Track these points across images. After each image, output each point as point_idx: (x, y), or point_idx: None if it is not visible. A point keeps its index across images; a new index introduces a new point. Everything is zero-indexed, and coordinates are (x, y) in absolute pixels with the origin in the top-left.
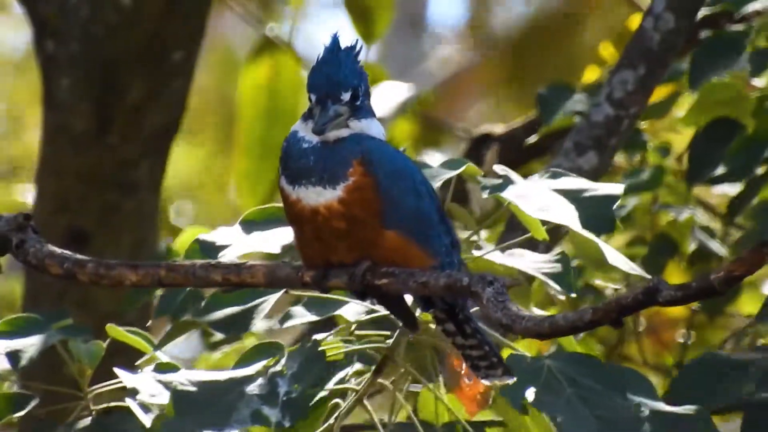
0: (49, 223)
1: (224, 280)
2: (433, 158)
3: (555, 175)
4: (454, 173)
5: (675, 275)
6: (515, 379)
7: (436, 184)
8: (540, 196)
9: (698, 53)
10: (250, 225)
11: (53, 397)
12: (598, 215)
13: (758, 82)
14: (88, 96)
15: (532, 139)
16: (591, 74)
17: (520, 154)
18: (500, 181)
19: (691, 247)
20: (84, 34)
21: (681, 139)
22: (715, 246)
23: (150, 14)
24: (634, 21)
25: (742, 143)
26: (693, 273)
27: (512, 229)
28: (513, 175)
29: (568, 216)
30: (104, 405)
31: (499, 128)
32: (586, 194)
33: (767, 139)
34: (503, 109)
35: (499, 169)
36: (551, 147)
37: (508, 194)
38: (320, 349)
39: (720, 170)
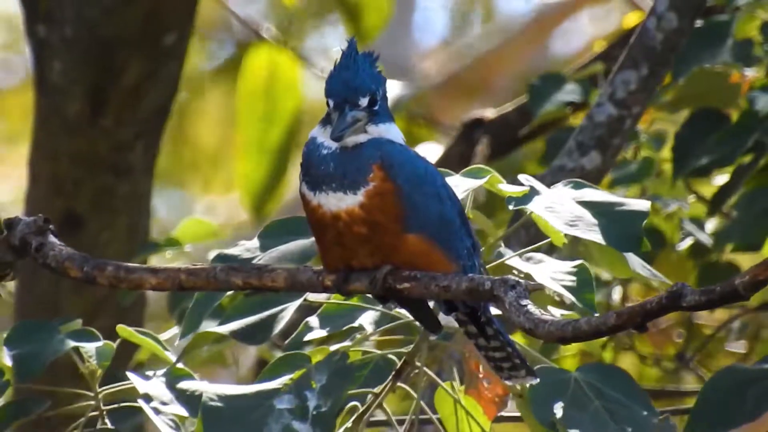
0: (43, 207)
1: (245, 283)
2: (427, 150)
3: (577, 186)
4: (477, 183)
5: (665, 267)
6: (538, 380)
7: (460, 195)
8: (567, 211)
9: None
10: (269, 237)
11: (63, 397)
12: (626, 233)
13: (750, 71)
14: (82, 79)
15: (524, 130)
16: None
17: (513, 138)
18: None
19: (681, 237)
20: (77, 16)
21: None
22: (704, 237)
23: None
24: (631, 20)
25: (726, 133)
26: (689, 266)
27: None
28: (537, 184)
29: (594, 232)
30: (115, 405)
31: (490, 113)
32: (614, 210)
33: (751, 128)
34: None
35: (523, 178)
36: (543, 133)
37: (534, 207)
38: (348, 361)
39: (705, 160)
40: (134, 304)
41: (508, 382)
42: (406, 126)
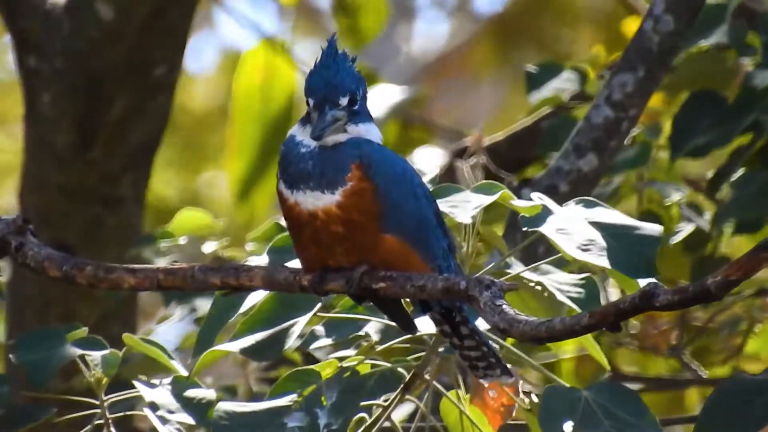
0: None
1: (223, 283)
2: (425, 155)
3: (589, 204)
4: (489, 199)
5: (662, 258)
6: (512, 378)
7: (472, 212)
8: (580, 233)
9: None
10: (278, 253)
11: (69, 405)
12: (639, 259)
13: (746, 60)
14: (71, 111)
15: (525, 120)
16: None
17: (503, 165)
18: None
19: (680, 226)
20: (66, 48)
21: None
22: (702, 222)
23: (132, 29)
24: (629, 25)
25: (723, 113)
26: (687, 256)
27: (513, 226)
28: (549, 202)
29: (607, 259)
30: (120, 414)
31: (483, 140)
32: (626, 233)
33: (748, 108)
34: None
35: (536, 196)
36: (535, 158)
37: (547, 230)
38: (360, 376)
39: (702, 140)
40: (122, 331)
41: (483, 381)
42: (402, 129)
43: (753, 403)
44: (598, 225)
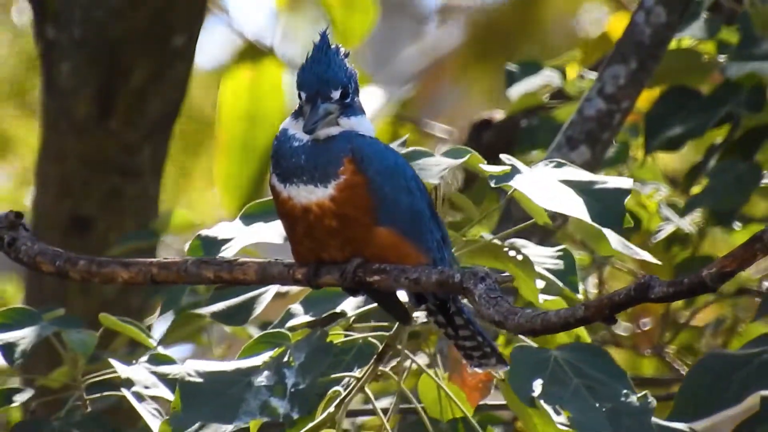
0: (51, 209)
1: (216, 277)
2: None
3: (559, 165)
4: (456, 162)
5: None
6: (509, 367)
7: (439, 173)
8: (548, 187)
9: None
10: (250, 218)
11: (49, 387)
12: (609, 209)
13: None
14: (90, 81)
15: (500, 115)
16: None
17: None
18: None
19: (661, 226)
20: (85, 18)
21: None
22: (681, 222)
23: None
24: (612, 24)
25: (698, 105)
26: (666, 257)
27: (507, 219)
28: (518, 164)
29: (578, 208)
30: (98, 395)
31: (499, 114)
32: (596, 187)
33: (723, 100)
34: (477, 90)
35: (505, 158)
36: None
37: (516, 184)
38: (327, 339)
39: (677, 131)
40: (143, 307)
41: (478, 369)
42: (392, 129)
43: (730, 378)
44: (568, 182)
